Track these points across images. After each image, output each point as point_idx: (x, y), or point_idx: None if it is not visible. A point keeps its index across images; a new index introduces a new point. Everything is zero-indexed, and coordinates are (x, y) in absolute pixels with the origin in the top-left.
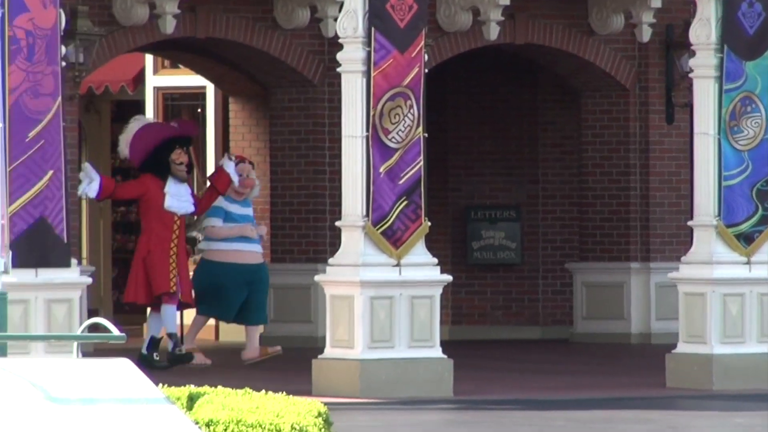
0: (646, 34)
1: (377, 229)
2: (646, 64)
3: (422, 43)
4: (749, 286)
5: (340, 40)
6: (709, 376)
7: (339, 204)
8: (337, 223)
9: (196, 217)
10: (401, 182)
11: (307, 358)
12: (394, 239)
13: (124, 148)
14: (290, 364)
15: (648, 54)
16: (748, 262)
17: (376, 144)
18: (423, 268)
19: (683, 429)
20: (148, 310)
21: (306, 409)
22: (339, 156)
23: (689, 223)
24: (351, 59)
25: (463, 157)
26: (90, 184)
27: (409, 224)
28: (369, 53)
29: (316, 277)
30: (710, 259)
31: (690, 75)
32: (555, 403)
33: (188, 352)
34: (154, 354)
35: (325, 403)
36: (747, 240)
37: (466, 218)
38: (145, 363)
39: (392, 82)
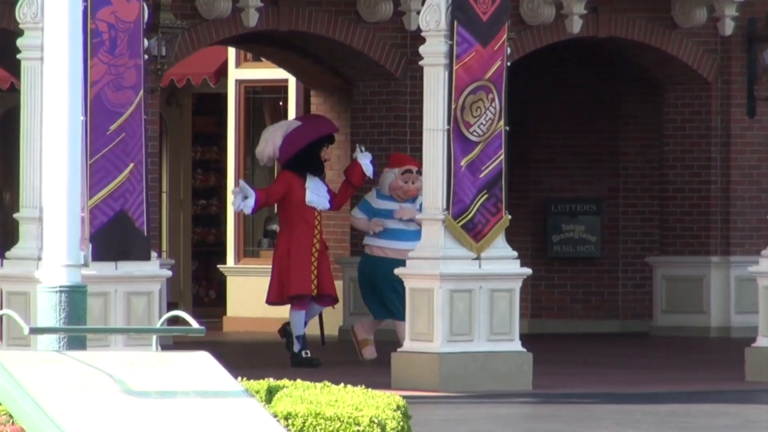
0: (728, 28)
1: (458, 223)
2: (728, 57)
3: (505, 36)
4: None
5: (422, 34)
6: None
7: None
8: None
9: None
10: (482, 175)
11: (386, 351)
12: (474, 232)
13: (270, 148)
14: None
15: (730, 47)
16: None
17: (458, 137)
18: (503, 262)
19: (763, 423)
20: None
21: (385, 402)
22: (420, 149)
23: None
24: (433, 53)
25: (544, 150)
26: (245, 201)
27: (489, 217)
28: (451, 47)
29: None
30: None
31: None
32: (634, 396)
33: (314, 358)
34: (303, 352)
35: (404, 397)
36: None
37: (546, 211)
38: (298, 361)
39: (474, 76)
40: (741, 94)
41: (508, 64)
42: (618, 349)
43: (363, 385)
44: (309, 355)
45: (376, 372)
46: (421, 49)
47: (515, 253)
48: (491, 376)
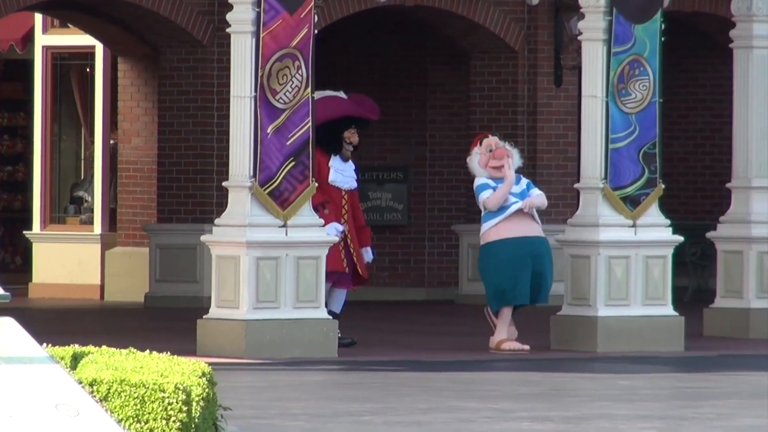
0: None
1: (264, 190)
2: (535, 26)
3: (312, 4)
4: (634, 249)
5: (230, 1)
6: (593, 338)
7: (227, 164)
8: (224, 184)
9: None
10: (289, 143)
11: (192, 318)
12: (281, 200)
13: None
14: (175, 324)
15: (537, 16)
16: (634, 225)
17: (264, 104)
18: (309, 229)
19: (567, 391)
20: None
21: (190, 369)
22: (227, 116)
23: (576, 185)
24: (240, 20)
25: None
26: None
27: (296, 185)
28: (259, 14)
29: (203, 237)
30: (596, 221)
31: (579, 38)
32: (439, 364)
33: (350, 338)
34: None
35: (210, 363)
36: (633, 203)
37: None
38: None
39: (281, 43)
40: (548, 63)
41: (316, 31)
42: (424, 317)
43: (168, 352)
44: (339, 335)
45: (181, 339)
46: (229, 17)
47: (321, 221)
48: (297, 344)
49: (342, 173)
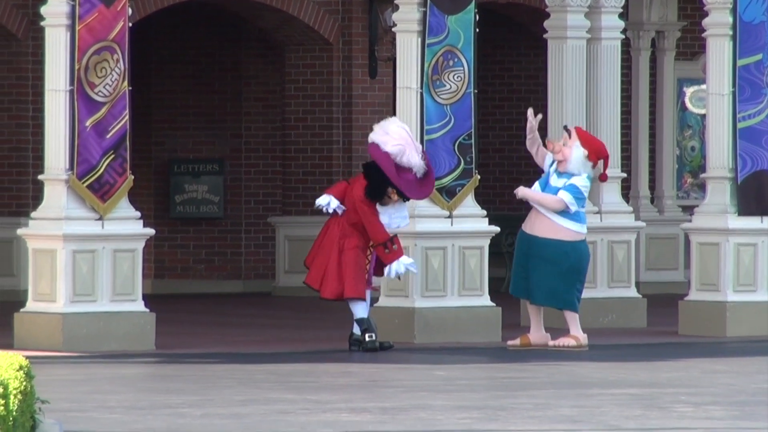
0: None
1: (83, 183)
2: (349, 18)
3: None
4: (451, 240)
5: None
6: (410, 329)
7: (43, 158)
8: (39, 177)
9: None
10: (109, 136)
11: (9, 311)
12: (101, 193)
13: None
14: None
15: (352, 8)
16: (450, 216)
17: (82, 98)
18: (126, 222)
19: (384, 382)
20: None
21: (7, 362)
22: (43, 110)
23: None
24: (55, 13)
25: (166, 110)
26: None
27: (116, 178)
28: (74, 7)
29: (19, 231)
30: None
31: (393, 29)
32: (257, 356)
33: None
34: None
35: (27, 357)
36: (449, 194)
37: (169, 172)
38: (356, 344)
39: (98, 36)
40: (363, 54)
41: (130, 24)
42: (241, 310)
43: None
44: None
45: None
46: (43, 10)
47: (138, 214)
48: (114, 337)
49: (389, 216)
